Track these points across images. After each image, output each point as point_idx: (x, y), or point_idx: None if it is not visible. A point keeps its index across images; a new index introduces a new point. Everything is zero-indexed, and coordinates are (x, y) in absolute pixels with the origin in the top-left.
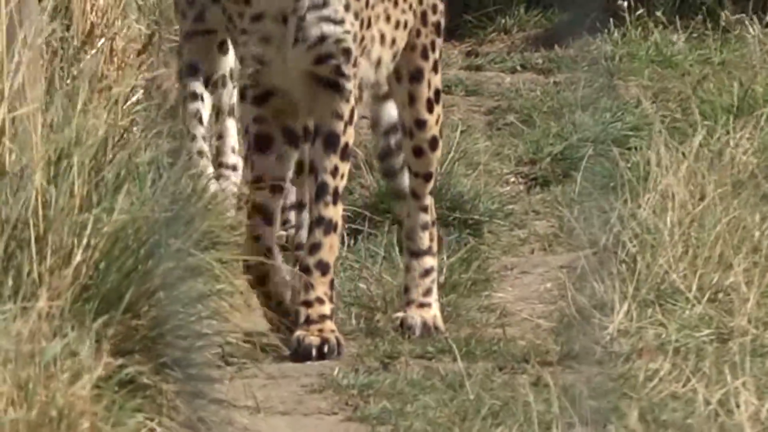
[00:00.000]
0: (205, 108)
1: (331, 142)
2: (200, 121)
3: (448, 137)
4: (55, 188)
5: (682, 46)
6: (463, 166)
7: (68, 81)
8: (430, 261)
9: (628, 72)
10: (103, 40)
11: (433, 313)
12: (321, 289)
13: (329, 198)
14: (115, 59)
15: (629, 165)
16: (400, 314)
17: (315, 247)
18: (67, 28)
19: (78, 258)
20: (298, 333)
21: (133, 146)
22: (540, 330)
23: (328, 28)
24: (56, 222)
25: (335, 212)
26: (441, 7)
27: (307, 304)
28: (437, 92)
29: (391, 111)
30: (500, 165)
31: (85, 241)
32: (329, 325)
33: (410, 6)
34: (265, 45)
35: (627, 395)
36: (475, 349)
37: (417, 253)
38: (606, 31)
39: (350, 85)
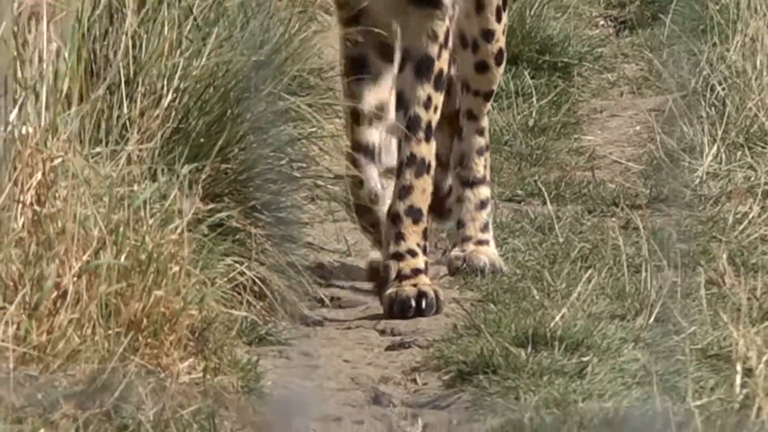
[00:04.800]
0: None
1: (424, 67)
2: None
3: None
4: (145, 31)
5: None
6: (553, 9)
7: None
8: (485, 191)
9: None
10: None
11: (494, 251)
12: (413, 239)
13: (421, 134)
14: None
15: (718, 8)
16: (459, 252)
17: (405, 191)
18: None
19: (168, 100)
20: (390, 290)
21: None
22: (629, 173)
23: None
24: (146, 65)
25: (428, 150)
26: None
27: (398, 257)
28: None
29: None
30: (589, 8)
31: (175, 84)
32: (424, 279)
33: None
34: None
35: (716, 238)
36: (564, 192)
37: (472, 183)
38: None
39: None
